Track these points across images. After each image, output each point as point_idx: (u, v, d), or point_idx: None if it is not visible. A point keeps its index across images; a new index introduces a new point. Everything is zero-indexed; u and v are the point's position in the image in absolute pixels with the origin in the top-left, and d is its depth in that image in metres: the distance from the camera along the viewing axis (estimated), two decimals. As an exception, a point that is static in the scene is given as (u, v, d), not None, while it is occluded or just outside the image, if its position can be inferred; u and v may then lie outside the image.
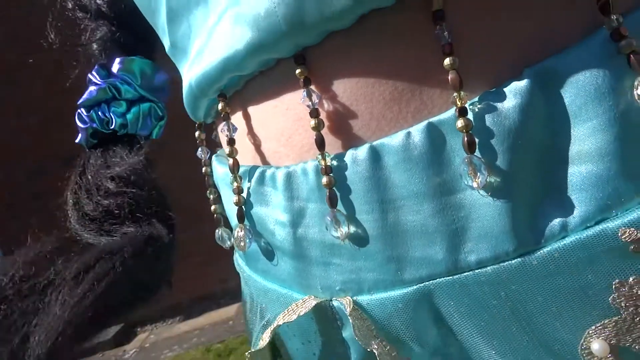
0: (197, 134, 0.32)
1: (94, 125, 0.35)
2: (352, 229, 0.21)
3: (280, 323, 0.24)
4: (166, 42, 0.28)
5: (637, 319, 0.18)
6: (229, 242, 0.31)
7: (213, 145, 0.36)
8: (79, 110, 0.35)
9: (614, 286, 0.18)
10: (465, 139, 0.18)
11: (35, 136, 3.31)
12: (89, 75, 0.35)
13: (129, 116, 0.34)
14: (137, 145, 0.36)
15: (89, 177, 0.35)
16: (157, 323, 3.35)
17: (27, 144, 3.30)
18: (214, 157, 0.32)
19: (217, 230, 0.31)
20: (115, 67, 0.35)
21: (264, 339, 0.26)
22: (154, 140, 0.38)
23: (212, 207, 0.32)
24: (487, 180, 0.18)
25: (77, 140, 0.37)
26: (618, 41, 0.18)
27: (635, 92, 0.18)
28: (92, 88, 0.34)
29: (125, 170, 0.34)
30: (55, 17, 0.36)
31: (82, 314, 0.30)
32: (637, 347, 0.18)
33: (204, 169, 0.32)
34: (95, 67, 0.35)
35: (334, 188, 0.21)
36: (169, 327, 3.23)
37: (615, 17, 0.18)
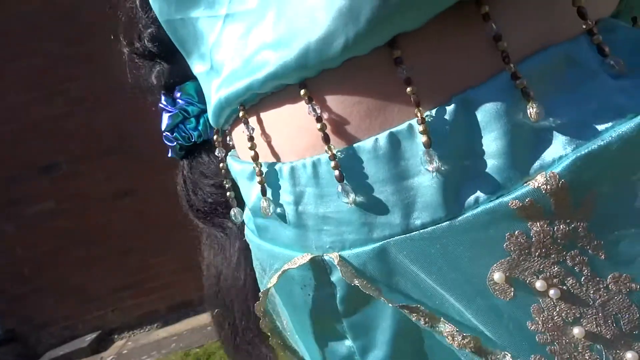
0: (214, 137, 0.41)
1: (180, 142, 0.46)
2: (359, 198, 0.30)
3: (286, 269, 0.33)
4: (206, 65, 0.37)
5: (521, 258, 0.28)
6: (240, 218, 0.41)
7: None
8: (164, 134, 0.47)
9: (506, 237, 0.28)
10: (424, 138, 0.28)
11: (10, 145, 3.31)
12: (160, 105, 0.47)
13: (200, 127, 0.45)
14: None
15: (191, 182, 0.49)
16: (134, 330, 3.37)
17: (1, 153, 3.30)
18: (229, 155, 0.41)
19: (231, 210, 0.40)
20: (176, 95, 0.46)
21: (272, 282, 0.34)
22: None
23: (228, 194, 0.41)
24: (438, 166, 0.28)
25: (169, 155, 0.50)
26: (515, 80, 0.28)
27: (528, 112, 0.28)
28: (166, 115, 0.45)
29: (219, 178, 0.47)
30: (127, 61, 0.46)
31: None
32: (521, 277, 0.28)
33: (221, 164, 0.41)
34: (162, 97, 0.46)
35: (338, 169, 0.30)
36: (147, 334, 3.25)
37: (512, 65, 0.28)
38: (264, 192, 0.34)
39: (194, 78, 0.46)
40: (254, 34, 0.31)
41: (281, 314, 0.39)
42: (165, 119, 0.47)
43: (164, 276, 3.42)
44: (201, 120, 0.47)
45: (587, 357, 0.28)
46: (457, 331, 0.29)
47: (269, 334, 0.39)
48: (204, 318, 3.14)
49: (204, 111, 0.47)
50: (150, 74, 0.48)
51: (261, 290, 0.38)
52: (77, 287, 3.39)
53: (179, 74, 0.47)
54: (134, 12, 0.48)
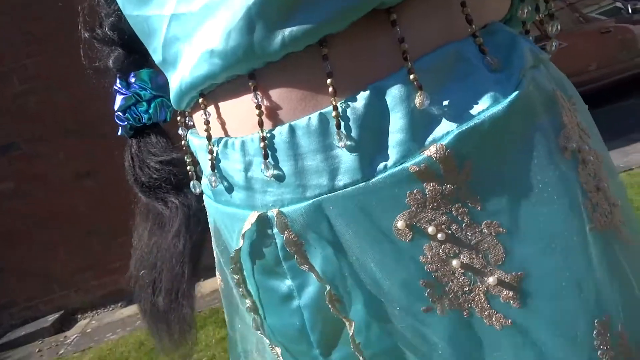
0: (178, 118, 0.48)
1: (130, 122, 0.52)
2: (276, 171, 0.38)
3: (245, 230, 0.40)
4: (157, 57, 0.44)
5: (418, 210, 0.36)
6: (198, 189, 0.48)
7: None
8: (117, 114, 0.52)
9: (407, 194, 0.36)
10: (335, 122, 0.36)
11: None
12: (115, 87, 0.52)
13: (151, 111, 0.51)
14: (165, 134, 0.53)
15: (139, 159, 0.54)
16: (98, 310, 3.38)
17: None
18: (189, 133, 0.48)
19: (191, 183, 0.47)
20: (131, 79, 0.52)
21: (240, 243, 0.42)
22: None
23: (188, 167, 0.48)
24: (346, 142, 0.36)
25: (119, 133, 0.55)
26: (409, 74, 0.36)
27: (416, 101, 0.36)
28: (120, 97, 0.51)
29: (166, 157, 0.54)
30: (84, 45, 0.51)
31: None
32: (417, 224, 0.36)
33: (182, 142, 0.48)
34: (118, 80, 0.52)
35: (267, 148, 0.38)
36: (111, 313, 3.27)
37: (409, 62, 0.36)
38: (212, 168, 0.42)
39: (149, 66, 0.52)
40: (201, 32, 0.37)
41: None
42: (118, 100, 0.52)
43: (127, 256, 3.44)
44: (152, 105, 0.53)
45: (461, 281, 0.36)
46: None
47: (236, 275, 0.46)
48: (169, 297, 3.20)
49: (156, 97, 0.53)
50: (108, 58, 0.54)
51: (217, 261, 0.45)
52: (39, 269, 3.36)
53: (135, 61, 0.53)
54: (97, 1, 0.53)
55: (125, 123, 0.53)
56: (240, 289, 0.45)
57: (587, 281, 0.36)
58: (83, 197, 3.34)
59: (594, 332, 0.36)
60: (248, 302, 0.45)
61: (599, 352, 0.36)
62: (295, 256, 0.38)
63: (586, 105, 0.46)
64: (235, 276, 0.45)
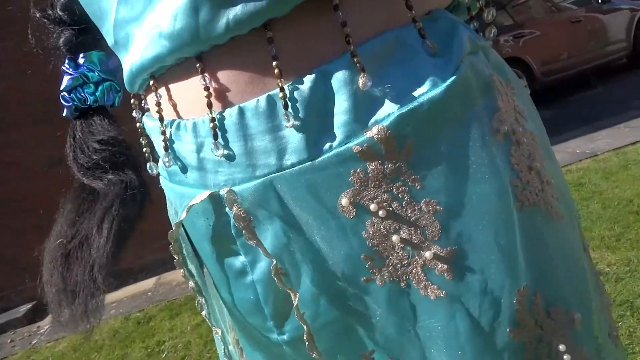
0: (132, 101, 0.49)
1: (75, 103, 0.51)
2: (226, 152, 0.40)
3: (192, 204, 0.42)
4: (110, 39, 0.44)
5: (361, 188, 0.38)
6: (155, 170, 0.49)
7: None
8: (62, 94, 0.51)
9: (351, 173, 0.38)
10: (283, 103, 0.37)
11: None
12: (63, 67, 0.51)
13: (97, 94, 0.51)
14: (111, 117, 0.53)
15: (80, 140, 0.52)
16: (72, 299, 3.35)
17: None
18: (144, 116, 0.49)
19: (147, 164, 0.48)
20: (80, 61, 0.51)
21: (182, 216, 0.43)
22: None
23: (144, 149, 0.49)
24: (294, 123, 0.38)
25: (63, 114, 0.53)
26: (353, 57, 0.37)
27: (359, 82, 0.37)
28: (67, 77, 0.50)
29: (105, 136, 0.53)
30: (33, 25, 0.51)
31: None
32: (361, 202, 0.38)
33: (137, 124, 0.49)
34: (66, 60, 0.51)
35: (217, 130, 0.39)
36: (85, 302, 3.25)
37: (352, 46, 0.37)
38: (166, 149, 0.43)
39: (101, 49, 0.53)
40: (151, 15, 0.38)
41: (187, 248, 0.48)
42: (65, 80, 0.52)
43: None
44: (100, 88, 0.52)
45: (400, 255, 0.39)
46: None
47: (176, 255, 0.48)
48: (145, 285, 3.19)
49: (105, 80, 0.53)
50: (58, 38, 0.53)
51: (174, 223, 0.46)
52: (10, 258, 3.31)
53: (86, 43, 0.53)
54: None
55: (70, 104, 0.52)
56: (182, 272, 0.47)
57: (512, 254, 0.39)
58: (55, 183, 3.28)
59: (515, 300, 0.39)
60: (191, 283, 0.47)
61: (518, 316, 0.39)
62: (244, 232, 0.40)
63: (527, 90, 0.49)
64: (176, 256, 0.46)
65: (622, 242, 1.96)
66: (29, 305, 3.31)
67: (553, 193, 0.43)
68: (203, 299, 0.47)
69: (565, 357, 0.40)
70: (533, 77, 4.93)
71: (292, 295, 0.40)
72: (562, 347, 0.40)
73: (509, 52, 4.89)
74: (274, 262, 0.40)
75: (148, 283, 3.18)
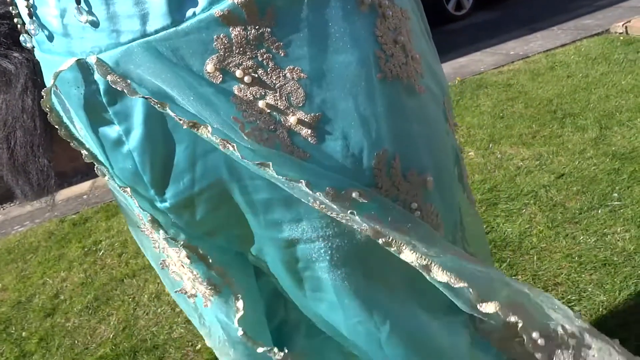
0: None
1: None
2: (90, 17, 0.39)
3: (59, 71, 0.41)
4: None
5: (226, 55, 0.39)
6: (30, 43, 0.47)
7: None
8: None
9: (214, 39, 0.38)
10: None
11: None
12: None
13: None
14: None
15: None
16: (4, 204, 3.26)
17: None
18: None
19: (21, 36, 0.46)
20: None
21: (51, 82, 0.42)
22: None
23: (15, 20, 0.46)
24: None
25: None
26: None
27: None
28: None
29: (2, 10, 0.51)
30: None
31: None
32: (226, 68, 0.39)
33: (11, 7, 0.46)
34: None
35: None
36: (19, 207, 3.17)
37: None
38: (30, 16, 0.41)
39: None
40: None
41: (68, 117, 0.48)
42: None
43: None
44: None
45: (267, 120, 0.41)
46: (177, 116, 0.39)
47: (57, 126, 0.47)
48: (80, 188, 3.13)
49: None
50: None
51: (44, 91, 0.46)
52: None
53: None
54: None
55: None
56: (72, 143, 0.47)
57: (371, 121, 0.42)
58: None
59: (374, 162, 0.42)
60: (83, 152, 0.47)
61: (376, 177, 0.43)
62: (125, 91, 0.40)
63: None
64: (58, 127, 0.46)
65: (537, 139, 2.09)
66: (-43, 212, 3.20)
67: (418, 68, 0.46)
68: (102, 166, 0.48)
69: (416, 213, 0.45)
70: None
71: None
72: (414, 205, 0.45)
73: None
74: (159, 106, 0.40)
75: (83, 186, 3.13)
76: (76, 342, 1.65)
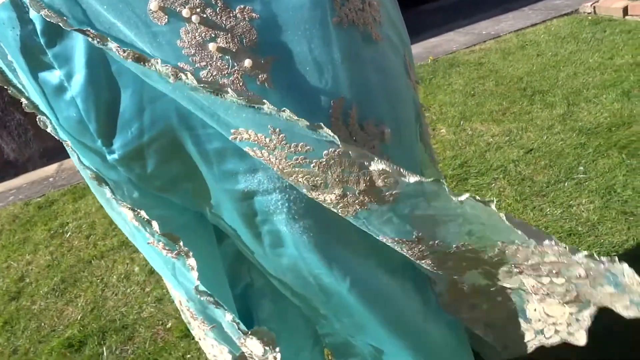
0: None
1: None
2: None
3: None
4: None
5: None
6: None
7: None
8: None
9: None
10: None
11: None
12: None
13: None
14: None
15: None
16: (-35, 189, 3.14)
17: None
18: None
19: None
20: None
21: None
22: None
23: None
24: None
25: None
26: None
27: None
28: None
29: None
30: None
31: None
32: (172, 7, 0.37)
33: None
34: None
35: None
36: (-19, 191, 3.06)
37: None
38: None
39: None
40: None
41: (6, 62, 0.45)
42: None
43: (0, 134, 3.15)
44: None
45: (219, 64, 0.39)
46: (120, 48, 0.37)
47: None
48: (45, 171, 3.04)
49: None
50: None
51: None
52: None
53: None
54: None
55: None
56: (9, 90, 0.44)
57: (327, 67, 0.40)
58: None
59: (330, 111, 0.41)
60: (23, 100, 0.44)
61: (333, 126, 0.42)
62: (60, 24, 0.37)
63: None
64: None
65: (507, 115, 2.11)
66: None
67: (376, 16, 0.44)
68: (43, 116, 0.45)
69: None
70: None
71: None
72: (371, 156, 0.44)
73: None
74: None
75: (49, 169, 3.04)
76: (43, 324, 1.61)
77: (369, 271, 0.47)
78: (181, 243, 0.48)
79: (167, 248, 0.49)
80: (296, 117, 0.37)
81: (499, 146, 1.89)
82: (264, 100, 0.36)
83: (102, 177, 0.46)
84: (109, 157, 0.44)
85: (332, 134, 0.37)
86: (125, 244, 1.90)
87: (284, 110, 0.37)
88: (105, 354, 1.41)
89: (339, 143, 0.38)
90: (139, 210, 0.46)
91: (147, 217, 0.46)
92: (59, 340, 1.50)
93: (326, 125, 0.41)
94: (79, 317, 1.60)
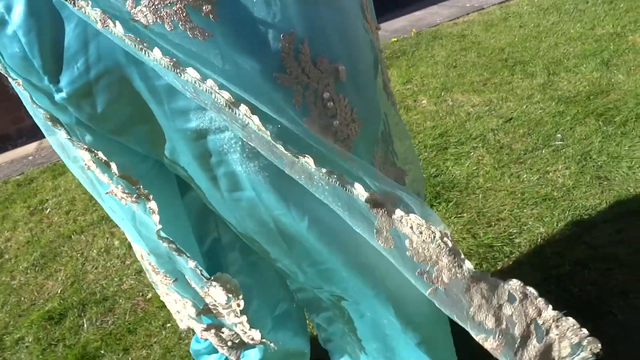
0: None
1: None
2: None
3: None
4: None
5: None
6: None
7: None
8: None
9: None
10: None
11: None
12: None
13: None
14: None
15: None
16: (-58, 168, 3.08)
17: None
18: None
19: None
20: None
21: None
22: None
23: None
24: None
25: None
26: None
27: None
28: None
29: None
30: None
31: None
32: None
33: None
34: None
35: None
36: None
37: None
38: None
39: None
40: None
41: None
42: None
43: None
44: None
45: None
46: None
47: None
48: (25, 150, 2.99)
49: None
50: None
51: None
52: None
53: None
54: None
55: None
56: None
57: (275, 0, 0.39)
58: None
59: (280, 45, 0.40)
60: None
61: (284, 61, 0.41)
62: None
63: None
64: None
65: (488, 86, 2.12)
66: None
67: None
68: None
69: (329, 104, 0.44)
70: None
71: None
72: (326, 95, 0.43)
73: None
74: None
75: (28, 148, 2.98)
76: (23, 298, 1.60)
77: (327, 209, 0.47)
78: (141, 186, 0.47)
79: (126, 192, 0.49)
80: (217, 88, 0.37)
81: (478, 116, 1.90)
82: (189, 68, 0.36)
83: (56, 118, 0.45)
84: (57, 97, 0.43)
85: (248, 114, 0.37)
86: (106, 218, 1.89)
87: (206, 81, 0.37)
88: (85, 325, 1.41)
89: (254, 126, 0.38)
90: (96, 151, 0.45)
91: (105, 158, 0.45)
92: (39, 313, 1.50)
93: (277, 61, 0.41)
94: (59, 290, 1.59)
